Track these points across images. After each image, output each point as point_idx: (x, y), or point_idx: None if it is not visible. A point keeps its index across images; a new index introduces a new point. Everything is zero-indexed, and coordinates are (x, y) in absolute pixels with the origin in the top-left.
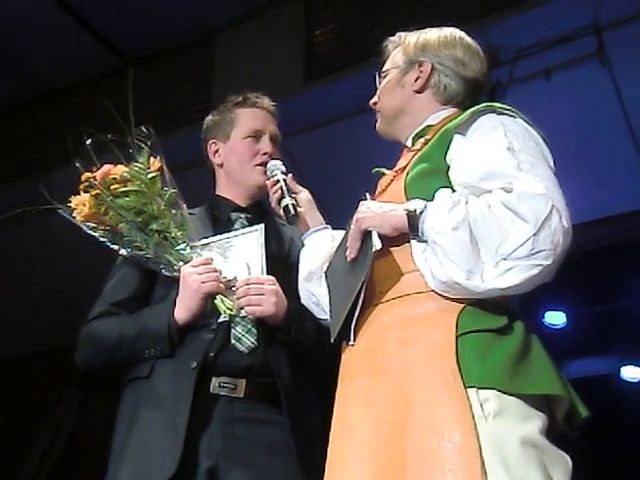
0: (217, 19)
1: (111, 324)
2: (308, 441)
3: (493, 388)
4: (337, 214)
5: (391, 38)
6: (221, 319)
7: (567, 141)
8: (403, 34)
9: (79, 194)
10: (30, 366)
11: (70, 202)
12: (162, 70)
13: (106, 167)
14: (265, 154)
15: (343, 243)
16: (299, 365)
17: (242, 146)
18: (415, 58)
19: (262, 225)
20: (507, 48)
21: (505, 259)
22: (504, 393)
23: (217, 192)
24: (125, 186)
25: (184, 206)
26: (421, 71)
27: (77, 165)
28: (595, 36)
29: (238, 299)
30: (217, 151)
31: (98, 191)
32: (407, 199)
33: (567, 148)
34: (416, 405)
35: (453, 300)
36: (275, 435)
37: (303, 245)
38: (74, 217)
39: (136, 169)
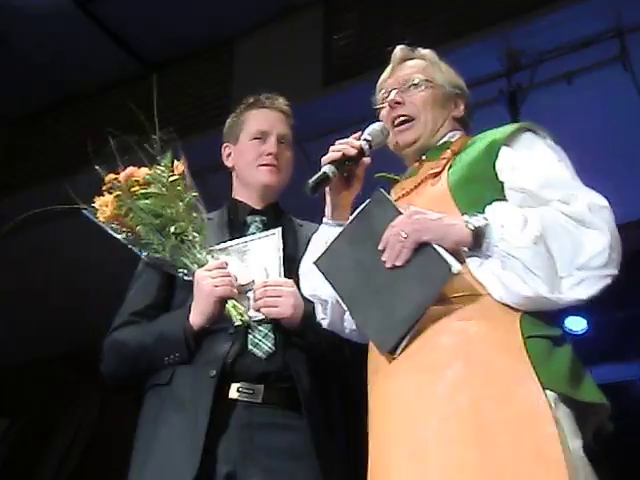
0: (236, 24)
1: (131, 333)
2: (328, 445)
3: (555, 391)
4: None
5: (406, 47)
6: (236, 323)
7: (589, 145)
8: (423, 51)
9: (102, 195)
10: (50, 368)
11: (94, 203)
12: (182, 75)
13: (130, 169)
14: (269, 154)
15: (359, 236)
16: (318, 368)
17: (248, 147)
18: (455, 87)
19: (279, 229)
20: (528, 52)
21: (580, 269)
22: (561, 401)
23: (233, 195)
24: (145, 188)
25: (204, 210)
26: (457, 101)
27: (97, 167)
28: (617, 40)
29: (256, 301)
30: (229, 154)
31: (120, 192)
32: (455, 201)
33: (589, 152)
34: (488, 401)
35: (507, 305)
36: (294, 440)
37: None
38: (97, 217)
39: (158, 172)
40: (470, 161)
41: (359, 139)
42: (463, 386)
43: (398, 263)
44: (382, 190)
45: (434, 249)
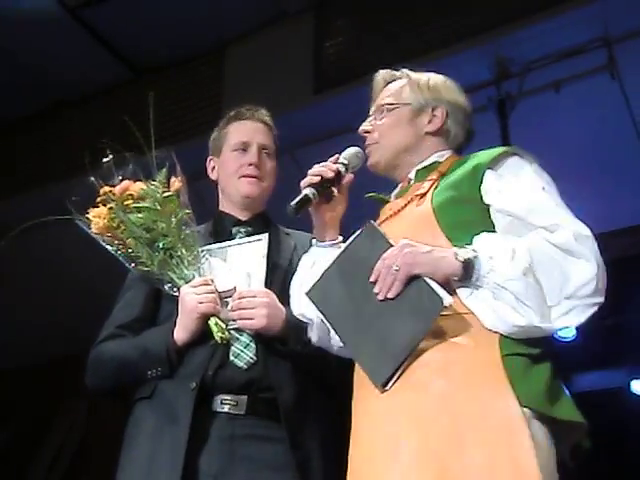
0: (228, 31)
1: (116, 346)
2: (309, 456)
3: (531, 408)
4: (346, 225)
5: (397, 71)
6: (217, 340)
7: (577, 154)
8: (405, 70)
9: (94, 206)
10: (37, 374)
11: (87, 213)
12: (173, 81)
13: (125, 183)
14: (251, 165)
15: (350, 267)
16: (301, 377)
17: (229, 159)
18: (429, 100)
19: (266, 235)
20: (516, 61)
21: (568, 299)
22: (537, 418)
23: (220, 208)
24: (139, 202)
25: (195, 227)
26: (434, 115)
27: (93, 179)
28: (605, 48)
29: (232, 312)
30: (214, 168)
31: (113, 205)
32: (438, 222)
33: (577, 161)
34: (467, 418)
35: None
36: (277, 451)
37: (307, 250)
38: (90, 228)
39: (152, 187)
40: (455, 183)
41: (336, 162)
42: (445, 405)
43: (390, 295)
44: (373, 222)
45: (426, 282)
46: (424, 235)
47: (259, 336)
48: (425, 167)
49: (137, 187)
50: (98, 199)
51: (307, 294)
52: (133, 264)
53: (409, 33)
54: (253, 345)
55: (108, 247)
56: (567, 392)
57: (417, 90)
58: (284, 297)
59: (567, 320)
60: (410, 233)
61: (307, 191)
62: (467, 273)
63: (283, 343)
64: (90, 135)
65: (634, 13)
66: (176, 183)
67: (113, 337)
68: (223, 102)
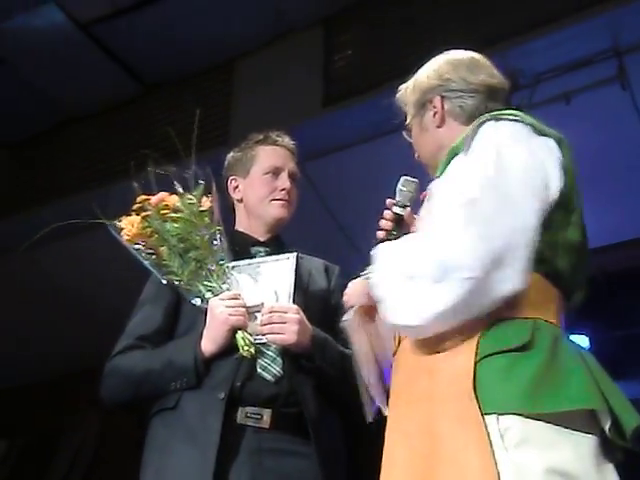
0: (236, 45)
1: (136, 358)
2: (334, 472)
3: (515, 413)
4: (356, 237)
5: (397, 95)
6: (243, 354)
7: (588, 164)
8: (403, 86)
9: (128, 214)
10: (49, 389)
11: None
12: (182, 96)
13: (162, 194)
14: (283, 190)
15: None
16: (324, 394)
17: (261, 182)
18: (422, 100)
19: (295, 254)
20: (526, 72)
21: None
22: (528, 418)
23: (236, 227)
24: (175, 213)
25: (225, 243)
26: (434, 107)
27: (135, 185)
28: (616, 59)
29: (262, 326)
30: (237, 187)
31: (149, 213)
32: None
33: (588, 171)
34: (440, 437)
35: (476, 322)
36: (303, 467)
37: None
38: (121, 235)
39: (188, 201)
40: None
41: (391, 206)
42: (427, 427)
43: None
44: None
45: None
46: None
47: (285, 351)
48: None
49: (173, 199)
50: (134, 206)
51: None
52: (162, 273)
53: (417, 46)
54: (280, 359)
55: (137, 255)
56: (580, 374)
57: (409, 98)
58: (307, 315)
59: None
60: None
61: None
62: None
63: (309, 359)
64: (101, 150)
65: None
66: (207, 202)
67: (132, 348)
68: (232, 116)
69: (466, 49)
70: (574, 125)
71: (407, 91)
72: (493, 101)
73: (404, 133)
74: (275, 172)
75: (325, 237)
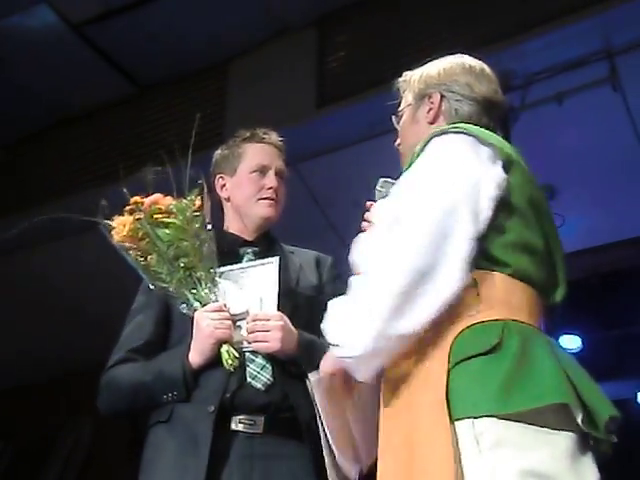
0: (231, 45)
1: (129, 371)
2: (325, 473)
3: (489, 415)
4: (349, 238)
5: (400, 79)
6: (226, 368)
7: (580, 165)
8: (409, 73)
9: (120, 214)
10: (43, 391)
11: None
12: (176, 97)
13: (155, 196)
14: (270, 189)
15: None
16: (311, 398)
17: (248, 180)
18: (423, 92)
19: (277, 258)
20: (518, 73)
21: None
22: (502, 419)
23: (225, 226)
24: (167, 217)
25: (214, 247)
26: (432, 102)
27: (124, 190)
28: (607, 61)
29: (247, 335)
30: (224, 185)
31: (141, 216)
32: None
33: (580, 172)
34: (418, 447)
35: (448, 329)
36: (295, 468)
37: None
38: (112, 236)
39: (183, 205)
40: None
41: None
42: (408, 437)
43: None
44: None
45: None
46: None
47: (274, 358)
48: None
49: (167, 202)
50: (126, 208)
51: None
52: (150, 277)
53: (411, 47)
54: (269, 367)
55: (126, 256)
56: (552, 370)
57: (412, 86)
58: (294, 319)
59: None
60: None
61: None
62: None
63: (296, 365)
64: (94, 151)
65: (635, 25)
66: (197, 201)
67: (125, 361)
68: (226, 116)
69: (459, 50)
70: (566, 126)
71: (412, 78)
72: (487, 117)
73: (393, 118)
74: (262, 170)
75: (317, 237)
